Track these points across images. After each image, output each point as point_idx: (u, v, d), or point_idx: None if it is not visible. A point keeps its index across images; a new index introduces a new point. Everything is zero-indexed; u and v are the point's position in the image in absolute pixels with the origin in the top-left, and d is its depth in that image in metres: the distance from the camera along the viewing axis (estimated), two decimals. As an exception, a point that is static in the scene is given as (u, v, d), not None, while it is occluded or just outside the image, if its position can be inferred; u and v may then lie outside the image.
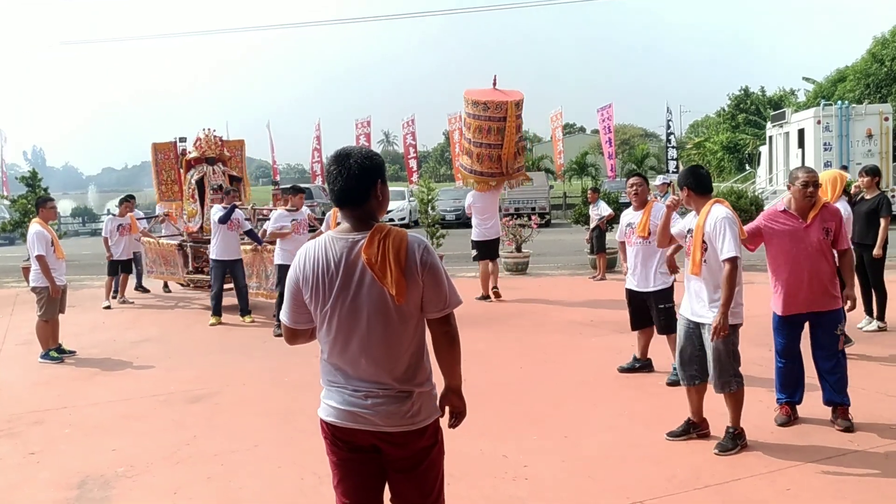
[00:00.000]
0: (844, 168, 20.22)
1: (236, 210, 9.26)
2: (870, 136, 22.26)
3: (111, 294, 11.23)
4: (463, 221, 11.30)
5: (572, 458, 4.60)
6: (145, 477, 4.56)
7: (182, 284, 11.48)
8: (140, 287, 12.17)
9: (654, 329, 6.28)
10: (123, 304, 11.26)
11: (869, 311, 7.66)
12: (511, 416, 5.39)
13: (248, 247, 9.76)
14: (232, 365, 7.29)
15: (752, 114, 45.80)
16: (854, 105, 24.21)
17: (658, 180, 12.87)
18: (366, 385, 2.57)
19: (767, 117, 33.29)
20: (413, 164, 30.97)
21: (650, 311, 6.20)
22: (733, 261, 4.36)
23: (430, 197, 12.95)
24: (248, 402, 6.07)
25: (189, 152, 11.03)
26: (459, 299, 2.64)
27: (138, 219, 12.16)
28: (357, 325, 2.53)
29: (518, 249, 13.22)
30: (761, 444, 4.66)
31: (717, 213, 4.50)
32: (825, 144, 22.35)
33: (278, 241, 8.62)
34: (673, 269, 5.59)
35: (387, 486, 2.73)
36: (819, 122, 22.43)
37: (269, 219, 10.20)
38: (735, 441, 4.56)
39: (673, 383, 5.95)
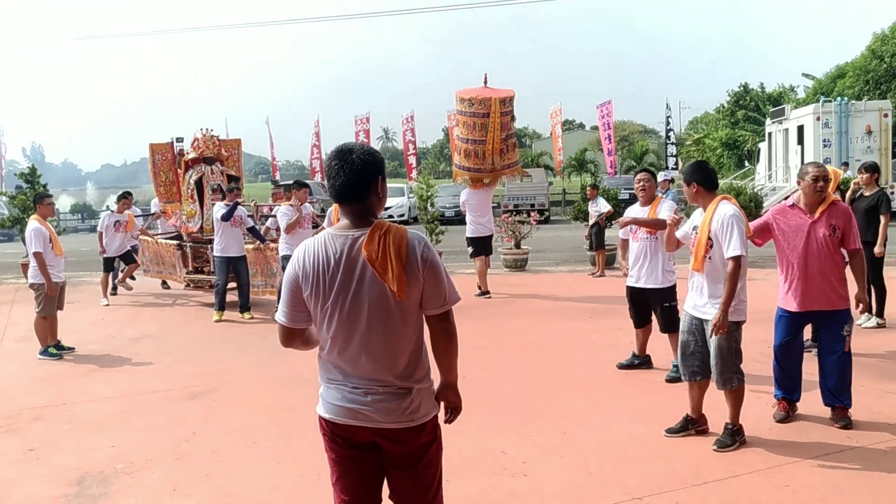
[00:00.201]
0: (846, 165, 20.24)
1: (239, 207, 9.28)
2: (869, 132, 22.27)
3: (109, 291, 11.21)
4: (462, 218, 11.33)
5: (571, 454, 4.61)
6: (144, 473, 4.56)
7: (183, 284, 11.46)
8: (115, 285, 11.85)
9: (653, 326, 6.27)
10: (123, 286, 11.29)
11: (868, 308, 7.65)
12: (510, 413, 5.38)
13: (251, 245, 9.76)
14: (231, 361, 7.29)
15: (752, 110, 45.73)
16: (853, 101, 24.19)
17: (660, 177, 12.83)
18: (365, 382, 2.57)
19: (767, 114, 33.27)
20: (412, 160, 30.99)
21: (651, 309, 6.20)
22: (738, 259, 4.36)
23: (429, 193, 12.95)
24: (247, 398, 6.07)
25: (187, 153, 11.02)
26: (458, 296, 2.65)
27: (136, 216, 12.12)
28: (358, 322, 2.53)
29: (517, 246, 13.21)
30: (760, 440, 4.66)
31: (725, 210, 4.50)
32: (824, 141, 22.35)
33: (283, 235, 8.67)
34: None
35: (385, 483, 2.73)
36: (818, 119, 22.43)
37: (272, 216, 10.22)
38: (734, 437, 4.56)
39: (672, 380, 5.96)
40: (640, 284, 6.15)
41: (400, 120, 31.60)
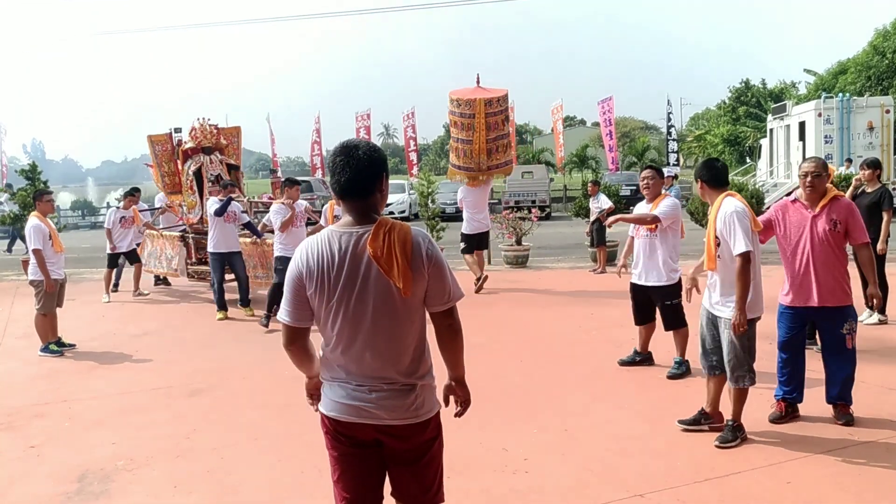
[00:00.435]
0: (848, 161, 20.19)
1: (232, 203, 9.23)
2: (871, 128, 22.23)
3: (111, 287, 11.21)
4: (462, 215, 11.37)
5: (572, 451, 4.60)
6: (145, 470, 4.56)
7: (186, 277, 11.45)
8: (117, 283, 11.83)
9: (656, 324, 6.26)
10: (139, 296, 11.16)
11: (870, 305, 7.63)
12: (511, 410, 5.38)
13: (248, 239, 9.75)
14: (231, 358, 7.29)
15: (753, 106, 45.67)
16: (855, 97, 24.18)
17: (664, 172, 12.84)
18: (370, 380, 2.57)
19: (768, 110, 33.24)
20: (413, 156, 30.94)
21: (653, 306, 6.19)
22: (745, 256, 4.34)
23: (430, 190, 12.94)
24: (248, 395, 6.06)
25: (185, 142, 10.98)
26: (462, 292, 2.66)
27: (141, 211, 12.09)
28: (363, 319, 2.52)
29: (518, 242, 13.21)
30: (762, 437, 4.65)
31: (727, 207, 4.49)
32: (826, 137, 22.32)
33: (277, 234, 8.60)
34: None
35: (387, 481, 2.72)
36: (820, 115, 22.40)
37: (267, 211, 10.19)
38: (735, 433, 4.55)
39: (674, 377, 5.95)
40: (642, 281, 6.15)
41: (401, 116, 31.58)
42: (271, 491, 4.22)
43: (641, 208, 6.30)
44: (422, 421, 2.61)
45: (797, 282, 4.82)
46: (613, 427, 4.98)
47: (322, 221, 9.31)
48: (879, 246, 7.37)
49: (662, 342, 6.28)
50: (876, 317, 7.57)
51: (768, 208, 5.33)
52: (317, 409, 2.75)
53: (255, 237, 9.69)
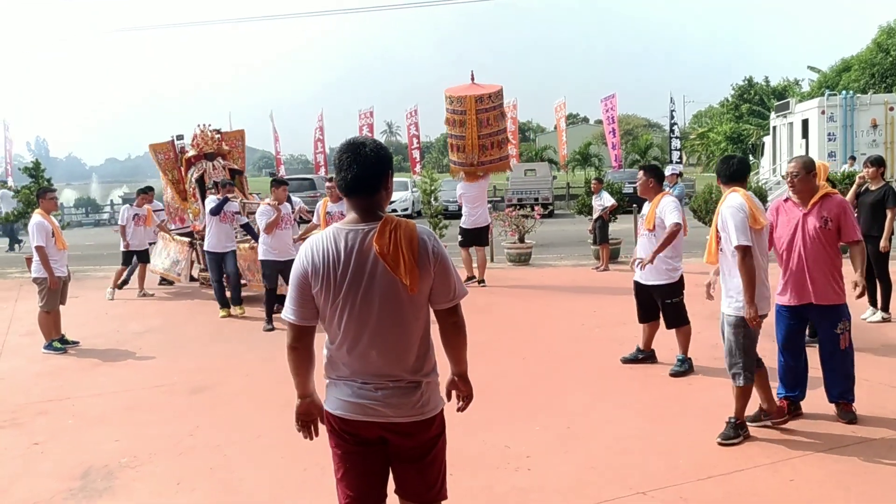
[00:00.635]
0: (852, 159, 20.12)
1: (229, 202, 9.19)
2: (875, 126, 22.14)
3: (118, 284, 11.21)
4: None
5: (575, 448, 4.60)
6: (148, 467, 4.57)
7: (190, 280, 11.46)
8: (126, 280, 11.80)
9: (660, 322, 6.26)
10: (143, 297, 11.16)
11: (873, 303, 7.62)
12: (513, 407, 5.38)
13: (246, 244, 9.73)
14: (234, 356, 7.30)
15: (756, 104, 45.56)
16: (859, 95, 24.07)
17: (668, 171, 12.84)
18: (375, 377, 2.57)
19: (771, 107, 33.12)
20: (416, 154, 30.96)
21: (656, 304, 6.18)
22: (741, 249, 4.34)
23: (432, 188, 12.94)
24: (251, 392, 6.07)
25: (187, 151, 10.98)
26: (466, 290, 2.68)
27: (155, 210, 12.06)
28: (369, 317, 2.52)
29: (521, 240, 13.19)
30: (764, 434, 4.65)
31: (726, 202, 4.51)
32: (829, 135, 22.24)
33: (262, 236, 8.40)
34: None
35: (391, 479, 2.73)
36: (823, 113, 22.30)
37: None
38: (737, 430, 4.55)
39: (677, 374, 5.95)
40: (643, 280, 6.15)
41: (404, 114, 31.58)
42: (274, 488, 4.23)
43: (645, 208, 6.32)
44: (427, 418, 2.62)
45: (792, 280, 4.81)
46: (616, 425, 4.98)
47: (315, 220, 9.27)
48: (882, 243, 7.35)
49: (666, 340, 6.27)
50: (879, 315, 7.55)
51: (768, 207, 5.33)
52: (308, 438, 2.80)
53: (253, 241, 9.63)
